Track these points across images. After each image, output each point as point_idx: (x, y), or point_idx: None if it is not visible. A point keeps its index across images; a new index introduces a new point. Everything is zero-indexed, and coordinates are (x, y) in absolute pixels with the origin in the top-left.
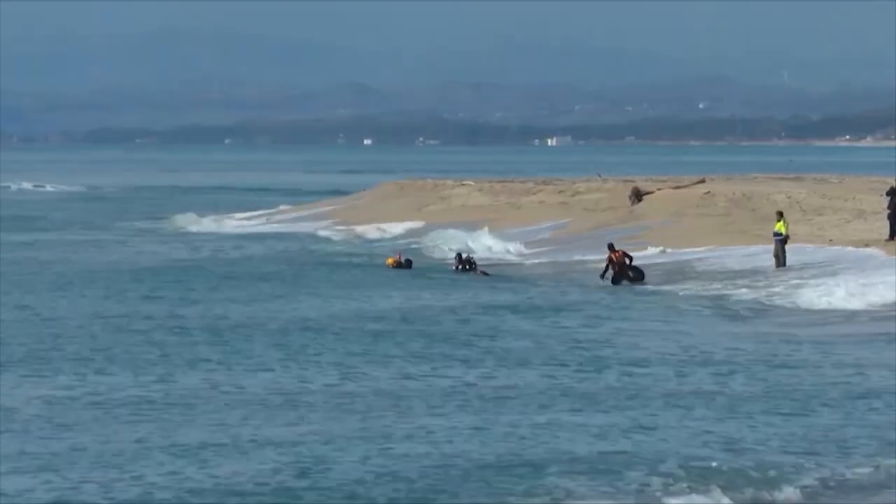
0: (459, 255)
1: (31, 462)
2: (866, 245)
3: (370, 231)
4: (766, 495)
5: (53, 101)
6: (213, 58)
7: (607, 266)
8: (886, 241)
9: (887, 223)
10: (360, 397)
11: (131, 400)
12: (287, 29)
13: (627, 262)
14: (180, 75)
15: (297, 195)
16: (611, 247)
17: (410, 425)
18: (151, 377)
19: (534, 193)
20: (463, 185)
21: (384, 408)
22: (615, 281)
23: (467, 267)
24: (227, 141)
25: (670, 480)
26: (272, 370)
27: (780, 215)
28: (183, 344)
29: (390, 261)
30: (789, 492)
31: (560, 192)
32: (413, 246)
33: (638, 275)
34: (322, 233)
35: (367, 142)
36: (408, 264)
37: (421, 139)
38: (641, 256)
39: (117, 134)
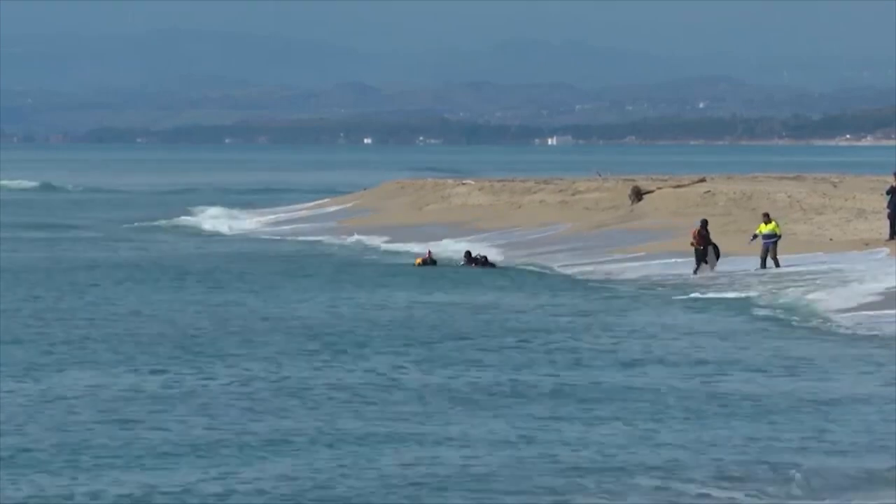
0: (469, 252)
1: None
2: (866, 244)
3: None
4: None
5: (53, 101)
6: (213, 58)
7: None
8: (886, 240)
9: (887, 222)
10: None
11: None
12: (287, 29)
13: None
14: (180, 75)
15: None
16: (704, 223)
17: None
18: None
19: (534, 193)
20: (463, 184)
21: None
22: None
23: (474, 266)
24: (227, 140)
25: None
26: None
27: (768, 216)
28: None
29: (418, 260)
30: None
31: (560, 191)
32: None
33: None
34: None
35: (367, 141)
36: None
37: (421, 139)
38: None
39: (118, 134)
